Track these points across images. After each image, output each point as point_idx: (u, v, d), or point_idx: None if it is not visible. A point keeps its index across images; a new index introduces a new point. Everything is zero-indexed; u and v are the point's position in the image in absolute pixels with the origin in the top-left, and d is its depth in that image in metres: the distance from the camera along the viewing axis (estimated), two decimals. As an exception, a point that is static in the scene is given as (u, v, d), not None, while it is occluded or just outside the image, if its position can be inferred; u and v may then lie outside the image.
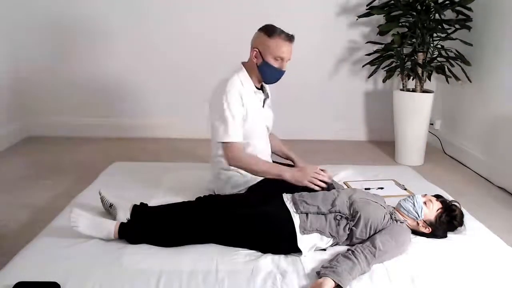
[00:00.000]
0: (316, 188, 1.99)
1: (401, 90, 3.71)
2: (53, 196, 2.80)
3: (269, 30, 2.10)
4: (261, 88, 2.27)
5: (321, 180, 1.99)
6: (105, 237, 1.79)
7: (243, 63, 2.20)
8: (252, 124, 2.17)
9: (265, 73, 2.14)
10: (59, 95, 4.14)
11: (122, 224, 1.82)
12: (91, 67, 4.08)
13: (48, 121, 4.19)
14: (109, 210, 2.01)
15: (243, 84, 2.14)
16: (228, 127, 2.07)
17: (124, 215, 1.94)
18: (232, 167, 2.19)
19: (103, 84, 4.13)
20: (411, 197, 1.96)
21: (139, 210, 1.98)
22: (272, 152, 2.40)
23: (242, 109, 2.11)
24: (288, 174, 2.02)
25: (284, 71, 2.15)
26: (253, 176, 2.18)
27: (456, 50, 3.52)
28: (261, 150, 2.25)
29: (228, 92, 2.08)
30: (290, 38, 2.09)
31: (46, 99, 4.15)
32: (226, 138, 2.09)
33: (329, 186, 2.06)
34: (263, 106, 2.25)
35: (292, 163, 2.44)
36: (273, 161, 2.38)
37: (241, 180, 2.20)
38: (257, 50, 2.12)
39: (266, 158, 2.30)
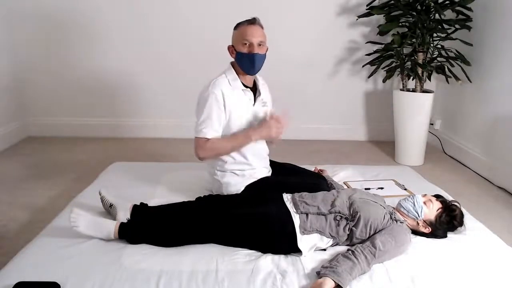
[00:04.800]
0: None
1: (401, 90, 3.71)
2: (53, 196, 2.80)
3: (236, 25, 2.15)
4: (254, 87, 2.26)
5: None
6: (105, 237, 1.79)
7: (232, 63, 2.21)
8: (239, 123, 2.16)
9: (241, 62, 2.13)
10: (59, 95, 4.15)
11: (122, 224, 1.82)
12: (91, 67, 4.08)
13: (48, 121, 4.20)
14: (109, 210, 2.02)
15: (230, 83, 2.14)
16: (200, 124, 2.12)
17: (124, 215, 1.94)
18: (228, 168, 2.19)
19: (103, 84, 4.13)
20: (411, 197, 1.96)
21: (139, 210, 1.99)
22: None
23: (220, 109, 2.11)
24: (256, 136, 2.10)
25: (258, 53, 2.08)
26: (251, 175, 2.19)
27: (456, 50, 3.52)
28: (257, 149, 2.24)
29: (209, 91, 2.10)
30: (251, 21, 2.11)
31: (46, 99, 4.15)
32: (195, 133, 2.14)
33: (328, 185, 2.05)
34: (254, 105, 2.23)
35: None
36: (271, 161, 2.38)
37: (237, 180, 2.20)
38: (231, 46, 2.17)
39: (263, 158, 2.30)
